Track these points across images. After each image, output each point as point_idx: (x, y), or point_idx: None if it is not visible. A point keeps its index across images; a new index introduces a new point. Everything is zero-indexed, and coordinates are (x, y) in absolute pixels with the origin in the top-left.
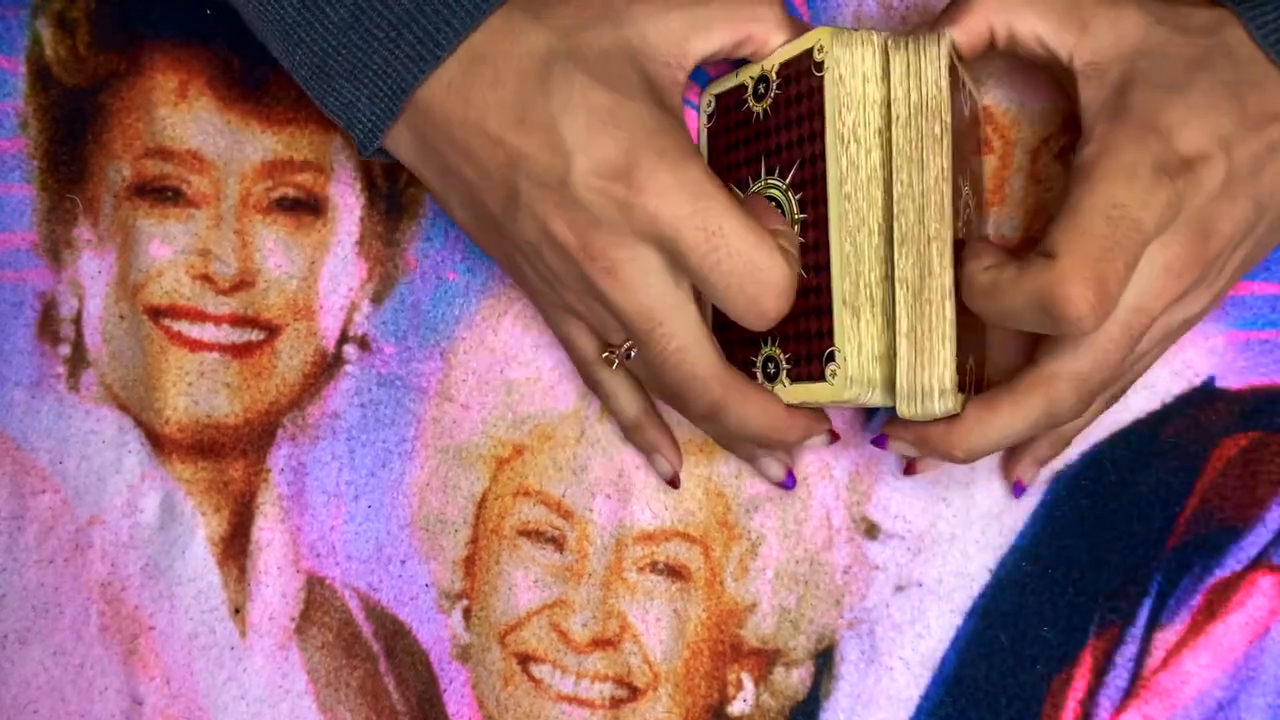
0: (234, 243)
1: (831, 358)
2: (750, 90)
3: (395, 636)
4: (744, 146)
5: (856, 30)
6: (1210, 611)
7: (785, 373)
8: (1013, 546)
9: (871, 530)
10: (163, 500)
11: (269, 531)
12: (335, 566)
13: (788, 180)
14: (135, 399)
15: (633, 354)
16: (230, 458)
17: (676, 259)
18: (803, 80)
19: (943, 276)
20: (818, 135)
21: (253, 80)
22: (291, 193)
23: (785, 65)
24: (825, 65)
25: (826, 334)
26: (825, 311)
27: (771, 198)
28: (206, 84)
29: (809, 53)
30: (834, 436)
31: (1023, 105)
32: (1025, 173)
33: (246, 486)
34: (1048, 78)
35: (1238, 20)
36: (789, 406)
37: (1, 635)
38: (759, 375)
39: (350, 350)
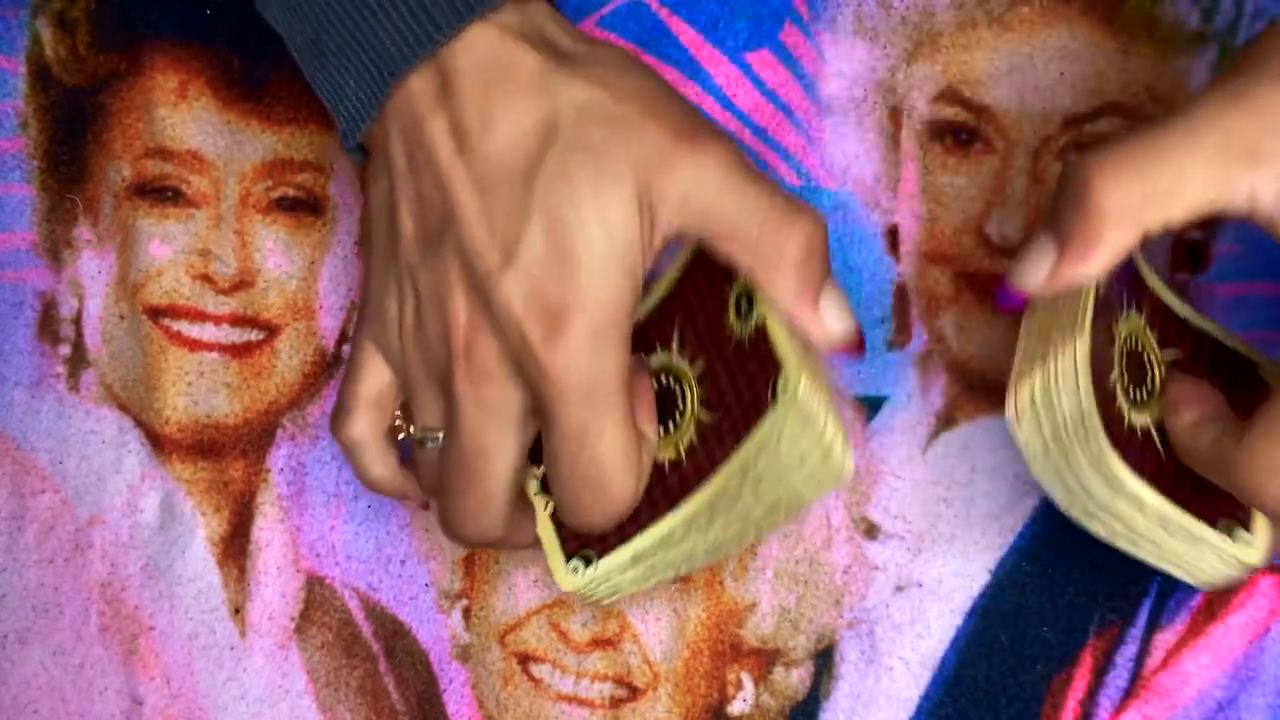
0: (234, 242)
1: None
2: (733, 303)
3: (395, 636)
4: (686, 315)
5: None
6: (1210, 612)
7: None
8: (1013, 546)
9: (871, 530)
10: (163, 500)
11: (269, 531)
12: (335, 566)
13: (704, 390)
14: (135, 399)
15: (428, 444)
16: (230, 458)
17: (542, 419)
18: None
19: None
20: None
21: (253, 80)
22: (291, 192)
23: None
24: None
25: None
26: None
27: (672, 376)
28: (206, 84)
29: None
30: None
31: (1023, 105)
32: (1026, 173)
33: (246, 486)
34: (1048, 77)
35: None
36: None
37: (1, 635)
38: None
39: (350, 350)
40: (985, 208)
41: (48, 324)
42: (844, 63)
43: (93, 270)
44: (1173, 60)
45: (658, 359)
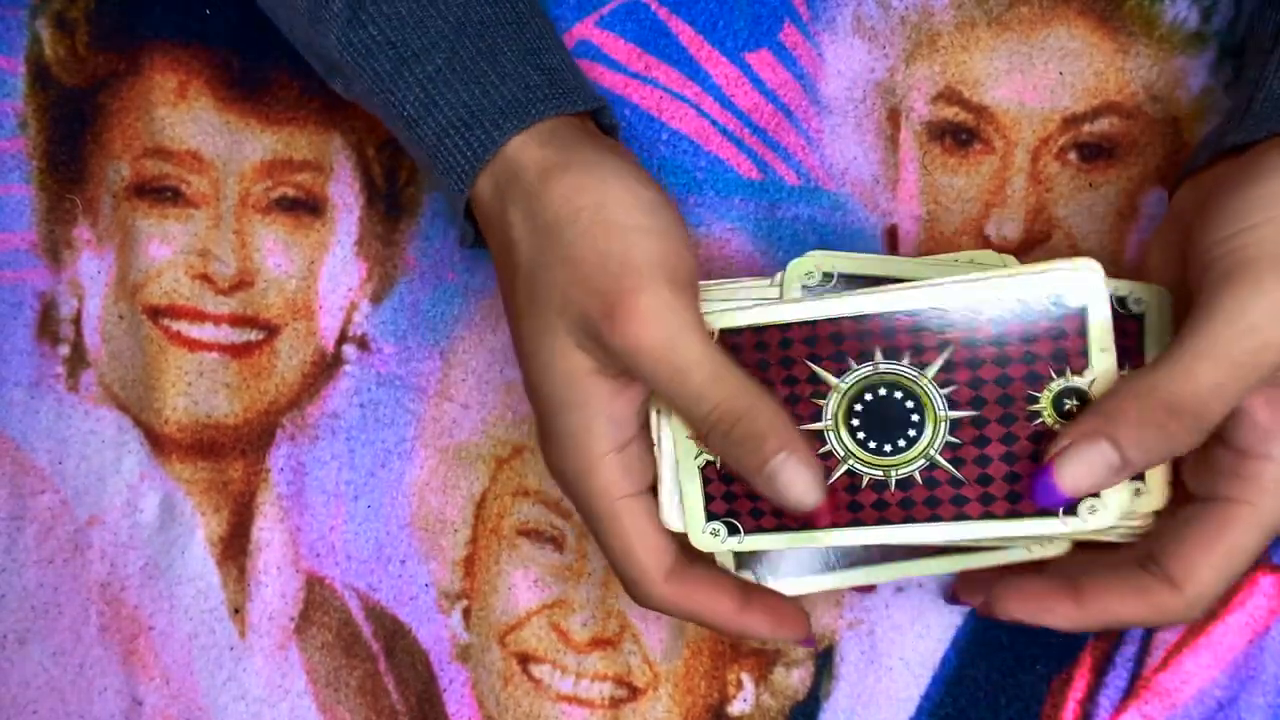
0: (233, 242)
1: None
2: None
3: (395, 636)
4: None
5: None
6: (1210, 611)
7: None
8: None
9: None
10: (162, 500)
11: (268, 531)
12: (335, 566)
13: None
14: (134, 399)
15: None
16: (230, 458)
17: None
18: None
19: None
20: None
21: (252, 80)
22: (291, 192)
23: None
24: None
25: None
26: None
27: (883, 384)
28: (205, 84)
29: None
30: None
31: (1023, 105)
32: (1026, 173)
33: (246, 486)
34: (1047, 77)
35: None
36: None
37: (1, 635)
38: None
39: (349, 350)
40: (984, 208)
41: (47, 324)
42: (843, 63)
43: (92, 270)
44: (1171, 60)
45: (849, 380)
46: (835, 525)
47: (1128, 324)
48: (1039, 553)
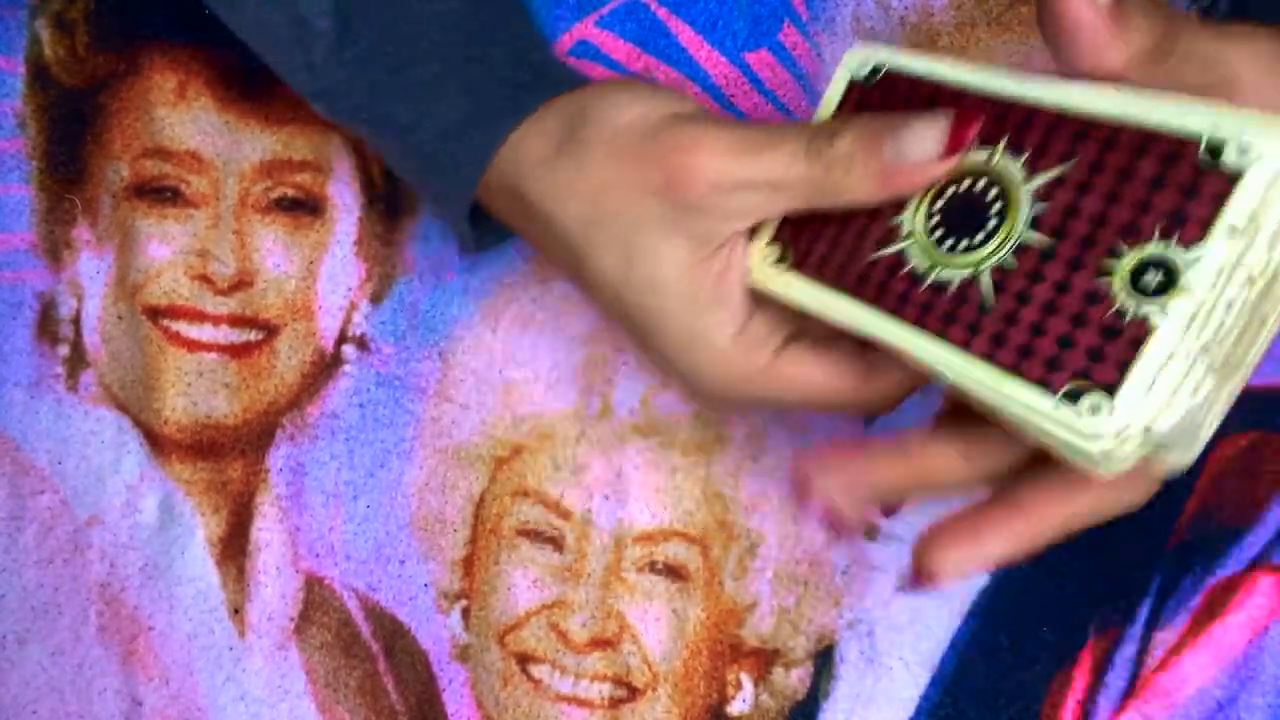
0: (233, 243)
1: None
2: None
3: (394, 636)
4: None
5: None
6: (1210, 611)
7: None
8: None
9: (871, 530)
10: (162, 500)
11: (268, 532)
12: (334, 567)
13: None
14: (134, 399)
15: None
16: (229, 458)
17: None
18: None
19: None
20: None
21: (252, 80)
22: (290, 192)
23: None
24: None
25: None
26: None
27: (988, 175)
28: (205, 84)
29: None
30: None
31: None
32: None
33: (245, 487)
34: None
35: None
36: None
37: (1, 635)
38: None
39: (349, 350)
40: None
41: (47, 324)
42: None
43: (91, 270)
44: None
45: (971, 156)
46: (858, 296)
47: (1211, 180)
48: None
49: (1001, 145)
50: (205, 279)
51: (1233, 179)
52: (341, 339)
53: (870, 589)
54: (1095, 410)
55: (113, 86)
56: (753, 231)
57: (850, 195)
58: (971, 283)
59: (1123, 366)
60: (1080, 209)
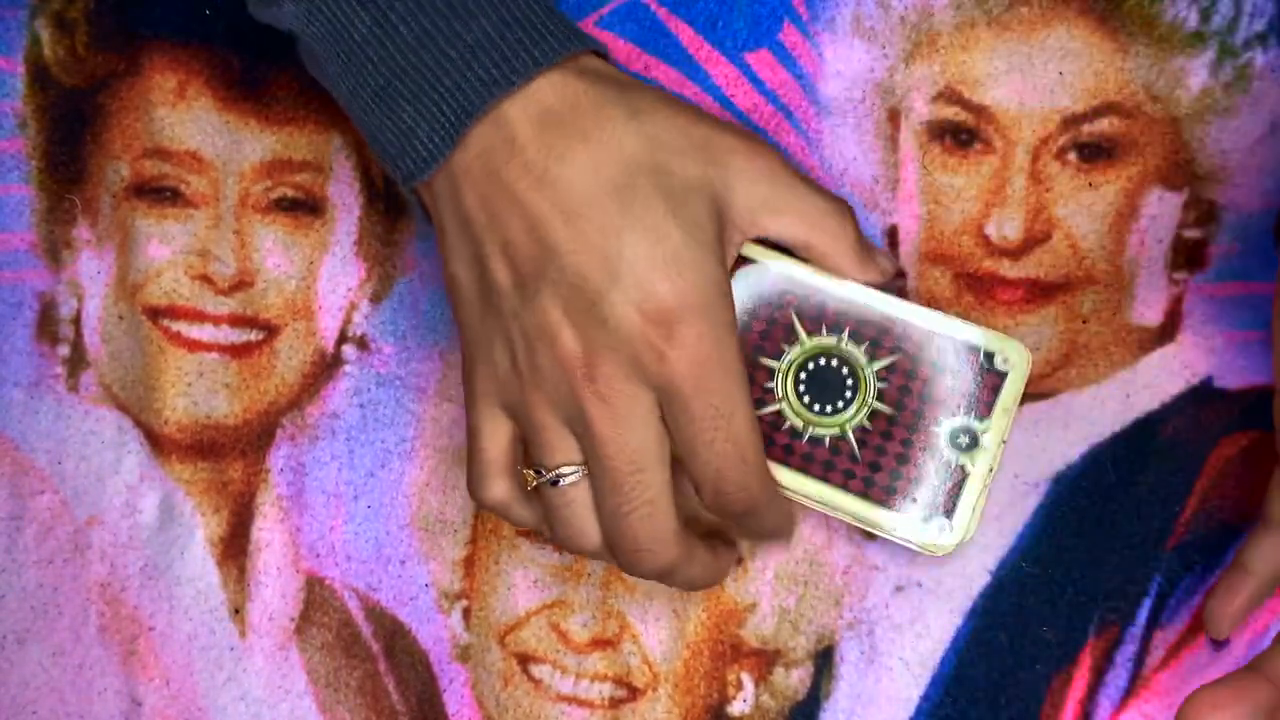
0: (233, 243)
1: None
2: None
3: (395, 637)
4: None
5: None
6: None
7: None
8: (1012, 547)
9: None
10: (162, 501)
11: (268, 532)
12: (335, 567)
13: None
14: (134, 399)
15: (561, 483)
16: (229, 458)
17: (674, 414)
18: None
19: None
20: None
21: (252, 80)
22: (290, 193)
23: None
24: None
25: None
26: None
27: (838, 355)
28: (205, 84)
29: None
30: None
31: (1023, 105)
32: (1025, 173)
33: (246, 487)
34: (1047, 77)
35: None
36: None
37: (1, 635)
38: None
39: (349, 350)
40: (984, 208)
41: (47, 324)
42: (843, 63)
43: (91, 271)
44: (1171, 60)
45: (814, 342)
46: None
47: (990, 377)
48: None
49: (846, 333)
50: (205, 279)
51: (1001, 376)
52: (342, 339)
53: (870, 589)
54: (942, 529)
55: (113, 86)
56: None
57: None
58: (841, 439)
59: (953, 498)
60: (911, 389)
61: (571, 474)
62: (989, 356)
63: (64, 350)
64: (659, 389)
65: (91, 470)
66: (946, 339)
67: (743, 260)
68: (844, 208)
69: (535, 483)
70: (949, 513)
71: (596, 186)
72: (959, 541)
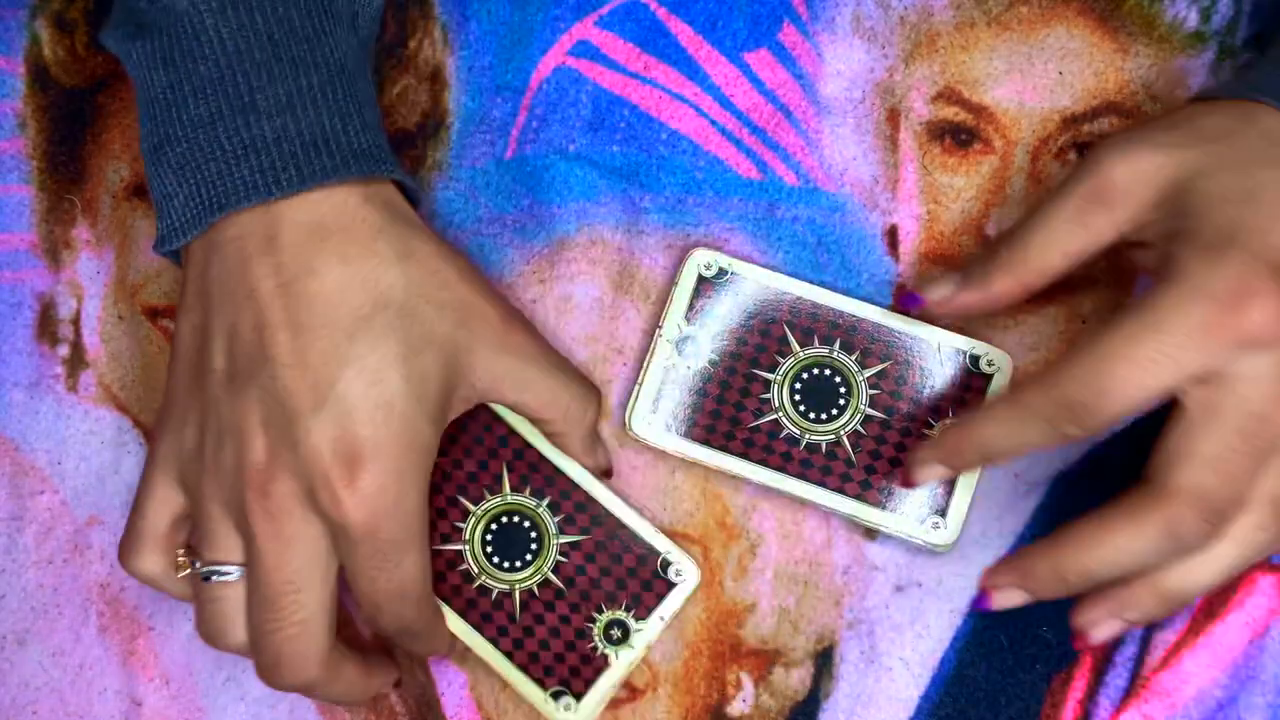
0: None
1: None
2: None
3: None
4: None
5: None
6: (1210, 611)
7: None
8: (1013, 547)
9: (871, 530)
10: None
11: None
12: None
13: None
14: (134, 399)
15: (214, 579)
16: None
17: (343, 550)
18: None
19: None
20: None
21: None
22: None
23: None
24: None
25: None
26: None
27: (830, 365)
28: None
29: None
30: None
31: (1022, 105)
32: (1025, 173)
33: None
34: (1047, 77)
35: (1269, 107)
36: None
37: (1, 635)
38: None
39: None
40: (984, 208)
41: (46, 324)
42: (842, 63)
43: (91, 271)
44: (1171, 60)
45: (807, 353)
46: (748, 459)
47: (976, 380)
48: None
49: (837, 343)
50: None
51: (987, 379)
52: None
53: (870, 589)
54: (936, 527)
55: (112, 86)
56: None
57: None
58: (836, 444)
59: (946, 498)
60: (901, 394)
61: (227, 574)
62: (974, 360)
63: (64, 350)
64: (330, 522)
65: (91, 470)
66: (933, 345)
67: (731, 274)
68: (591, 394)
69: (187, 571)
70: (943, 512)
71: (336, 311)
72: (954, 539)
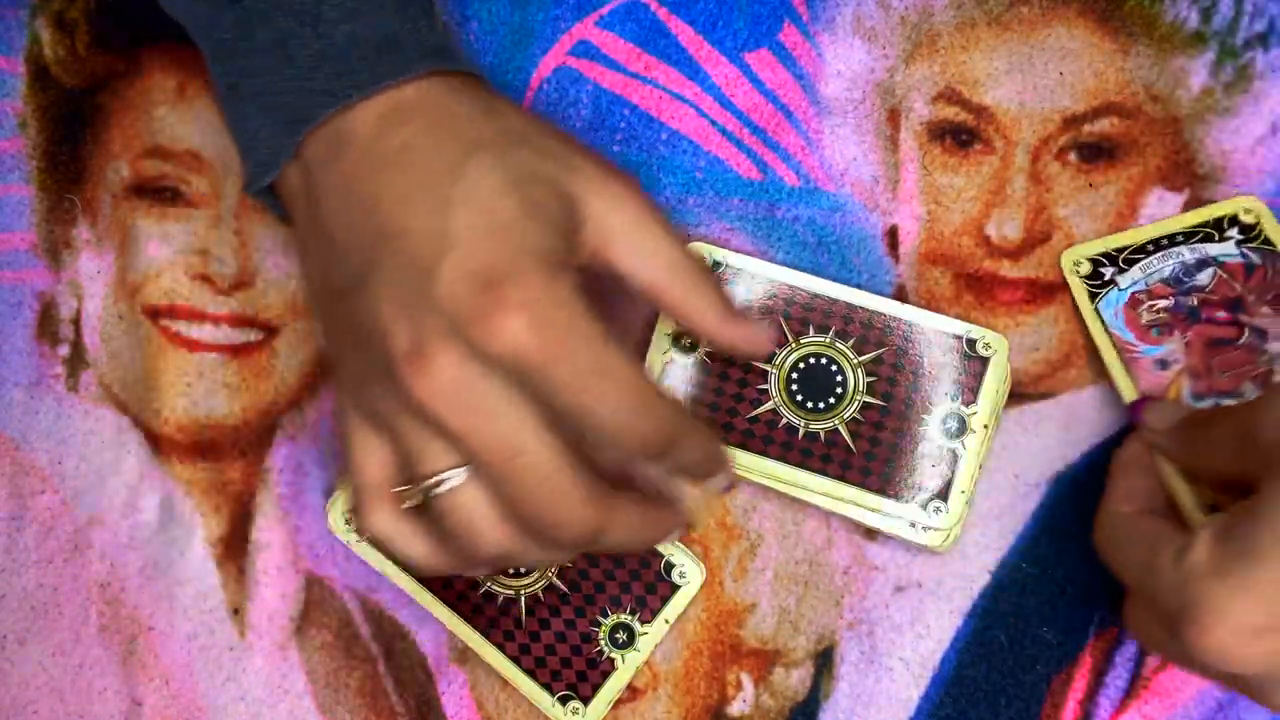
0: (233, 242)
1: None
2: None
3: (394, 638)
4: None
5: None
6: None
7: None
8: (1013, 547)
9: (870, 531)
10: (162, 501)
11: (268, 532)
12: (334, 567)
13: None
14: (134, 399)
15: (438, 491)
16: (229, 458)
17: (537, 391)
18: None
19: None
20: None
21: None
22: None
23: None
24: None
25: None
26: None
27: (827, 354)
28: (205, 84)
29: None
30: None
31: (1023, 105)
32: (1026, 173)
33: (246, 487)
34: (1047, 77)
35: None
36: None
37: (1, 635)
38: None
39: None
40: (985, 208)
41: (47, 324)
42: (843, 63)
43: (92, 270)
44: (1171, 60)
45: (803, 343)
46: (747, 449)
47: (973, 364)
48: (914, 536)
49: (832, 332)
50: (205, 279)
51: (984, 362)
52: None
53: (870, 589)
54: (938, 511)
55: (113, 86)
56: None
57: None
58: (835, 432)
59: (947, 482)
60: (898, 380)
61: (450, 478)
62: (970, 344)
63: (64, 350)
64: (505, 366)
65: (91, 470)
66: (928, 330)
67: (726, 266)
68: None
69: (411, 498)
70: (944, 496)
71: (431, 168)
72: (954, 524)
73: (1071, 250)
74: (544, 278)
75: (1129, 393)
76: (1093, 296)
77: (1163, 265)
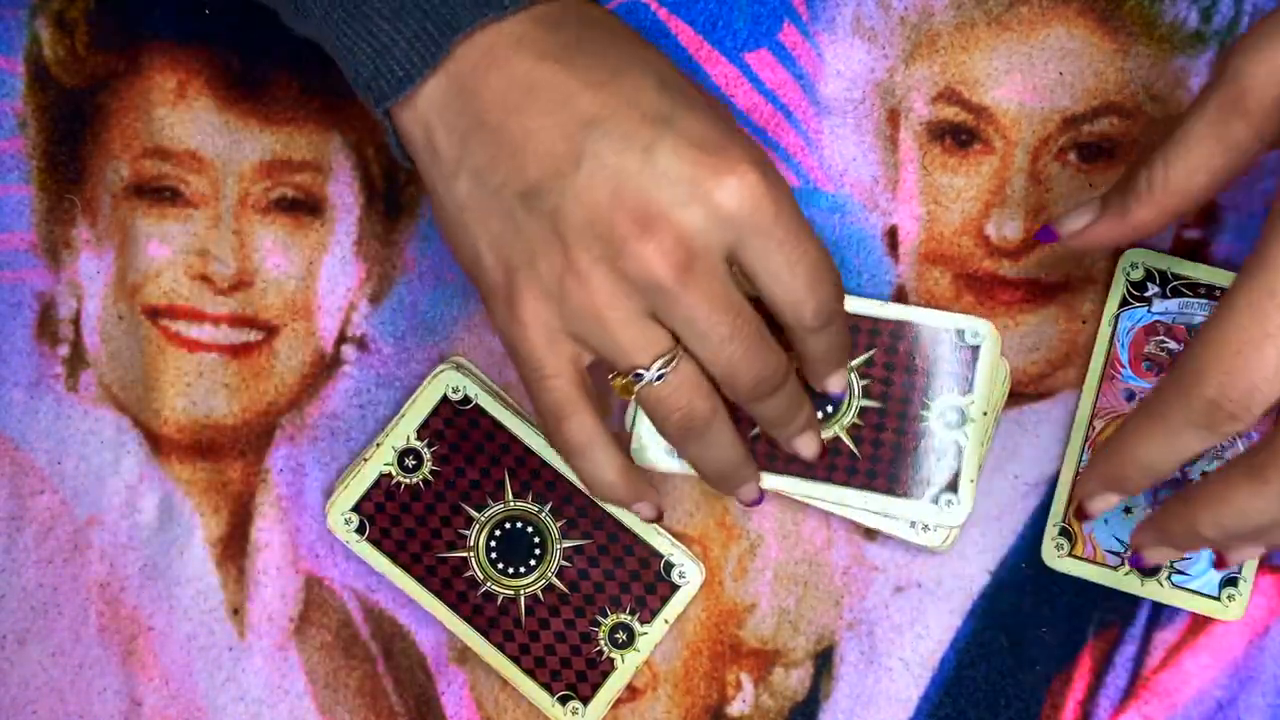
0: (232, 243)
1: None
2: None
3: (394, 638)
4: None
5: None
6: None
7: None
8: (1012, 548)
9: (870, 531)
10: (161, 501)
11: (267, 532)
12: (334, 567)
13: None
14: (134, 399)
15: (666, 374)
16: (229, 458)
17: (756, 250)
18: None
19: None
20: None
21: (251, 80)
22: (290, 193)
23: None
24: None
25: None
26: None
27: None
28: (205, 84)
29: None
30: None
31: (1023, 105)
32: (1026, 173)
33: (245, 487)
34: (1047, 77)
35: None
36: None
37: (1, 635)
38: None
39: (349, 350)
40: (984, 208)
41: (46, 324)
42: (842, 63)
43: (91, 271)
44: (1171, 60)
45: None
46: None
47: (965, 353)
48: (915, 537)
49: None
50: (205, 279)
51: (974, 350)
52: (341, 339)
53: (870, 589)
54: (950, 503)
55: (113, 86)
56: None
57: None
58: (837, 440)
59: (954, 474)
60: (893, 379)
61: (671, 361)
62: (959, 334)
63: (64, 350)
64: (733, 227)
65: (91, 470)
66: (915, 326)
67: None
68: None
69: (638, 388)
70: (953, 488)
71: (614, 54)
72: (966, 515)
73: (1135, 251)
74: (746, 143)
75: (1086, 403)
76: (1123, 303)
77: (1198, 312)
